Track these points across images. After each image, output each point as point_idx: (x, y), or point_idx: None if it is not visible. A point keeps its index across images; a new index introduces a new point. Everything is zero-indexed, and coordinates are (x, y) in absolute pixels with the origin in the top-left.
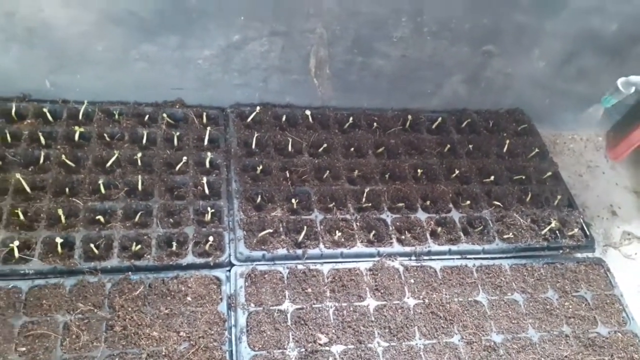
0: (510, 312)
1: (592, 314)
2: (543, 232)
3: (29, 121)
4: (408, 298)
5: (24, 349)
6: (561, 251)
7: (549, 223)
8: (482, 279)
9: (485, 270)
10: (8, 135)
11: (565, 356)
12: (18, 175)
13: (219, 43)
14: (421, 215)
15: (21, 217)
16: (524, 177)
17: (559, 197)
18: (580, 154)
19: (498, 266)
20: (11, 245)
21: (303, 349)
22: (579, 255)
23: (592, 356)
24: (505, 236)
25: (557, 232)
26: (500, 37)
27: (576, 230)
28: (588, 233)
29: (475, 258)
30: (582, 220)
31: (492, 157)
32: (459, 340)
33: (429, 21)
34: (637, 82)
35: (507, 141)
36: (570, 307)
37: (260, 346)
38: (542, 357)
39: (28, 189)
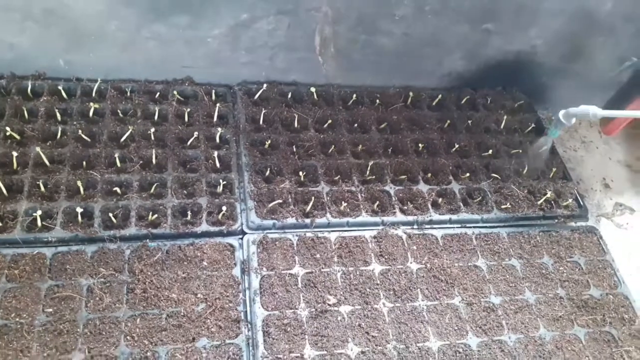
0: (507, 276)
1: (585, 278)
2: (539, 203)
3: (44, 98)
4: (411, 263)
5: (50, 309)
6: (556, 220)
7: (545, 194)
8: (481, 246)
9: (484, 237)
10: (25, 112)
11: (560, 316)
12: (38, 149)
13: (228, 22)
14: (423, 187)
15: (42, 188)
16: (520, 151)
17: (554, 170)
18: (575, 130)
19: (496, 234)
20: (34, 214)
21: (313, 309)
22: (573, 224)
23: (585, 316)
24: (503, 206)
25: (552, 202)
26: (499, 16)
27: (570, 200)
28: (582, 203)
29: (474, 227)
30: (576, 191)
31: (491, 133)
32: (459, 302)
33: (430, 0)
34: (576, 113)
35: (505, 117)
36: (565, 271)
37: (273, 307)
38: (538, 317)
39: (47, 162)
